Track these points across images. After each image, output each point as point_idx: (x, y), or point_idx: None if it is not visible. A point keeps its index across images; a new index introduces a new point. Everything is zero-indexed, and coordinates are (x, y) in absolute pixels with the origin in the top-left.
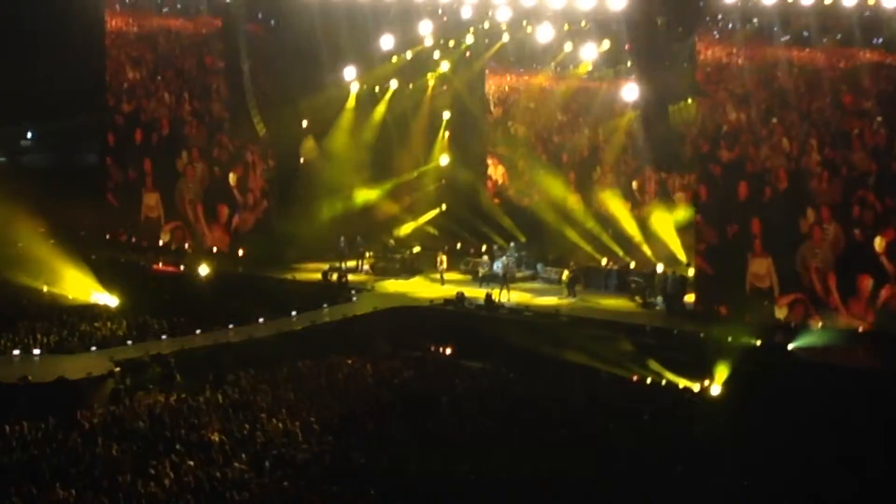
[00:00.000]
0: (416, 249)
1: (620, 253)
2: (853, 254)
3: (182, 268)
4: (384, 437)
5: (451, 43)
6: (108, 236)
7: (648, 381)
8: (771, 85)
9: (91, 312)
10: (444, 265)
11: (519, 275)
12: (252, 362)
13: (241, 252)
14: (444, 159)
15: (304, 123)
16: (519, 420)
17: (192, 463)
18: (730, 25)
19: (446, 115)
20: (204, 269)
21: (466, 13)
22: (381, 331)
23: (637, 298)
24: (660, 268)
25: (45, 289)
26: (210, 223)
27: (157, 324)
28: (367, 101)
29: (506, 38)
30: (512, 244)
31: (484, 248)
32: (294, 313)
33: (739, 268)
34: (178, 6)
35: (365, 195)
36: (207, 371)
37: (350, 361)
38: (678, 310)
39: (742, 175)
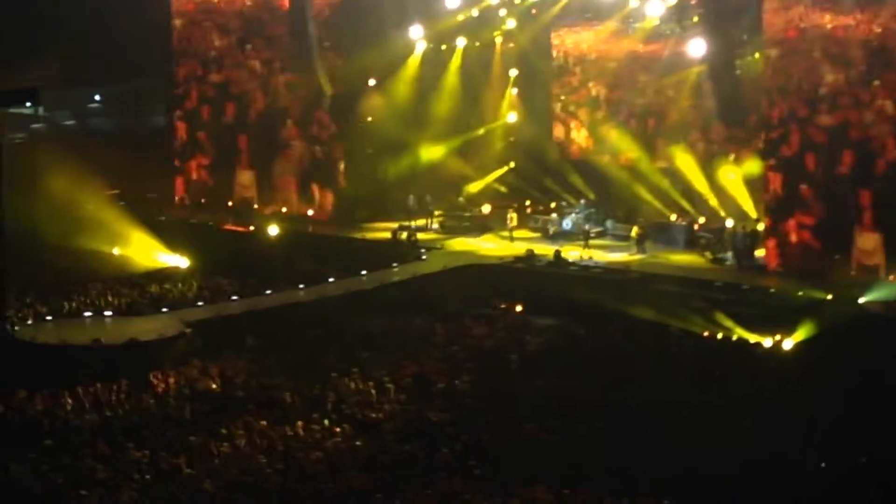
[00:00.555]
0: (486, 207)
1: (689, 209)
2: None
3: (252, 228)
4: (455, 396)
5: (517, 0)
6: (177, 198)
7: (719, 336)
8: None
9: (162, 274)
10: (514, 223)
11: (589, 231)
12: (322, 322)
13: (310, 212)
14: (511, 117)
15: (371, 82)
16: (589, 377)
17: (264, 423)
18: None
19: (513, 72)
20: (274, 230)
21: None
22: (451, 289)
23: (707, 254)
24: (729, 223)
25: (115, 252)
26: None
27: (227, 285)
28: (434, 58)
29: None
30: (581, 201)
31: (553, 205)
32: (364, 273)
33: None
34: None
35: (433, 153)
36: (278, 331)
37: (420, 320)
38: (748, 265)
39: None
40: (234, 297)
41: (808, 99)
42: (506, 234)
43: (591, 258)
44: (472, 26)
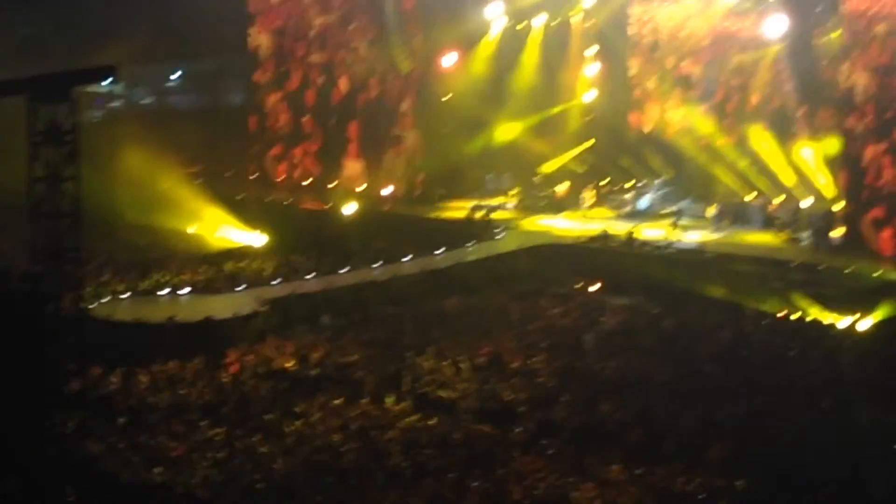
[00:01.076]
0: (562, 186)
1: (766, 188)
2: None
3: (328, 206)
4: (530, 375)
5: None
6: (252, 176)
7: (795, 316)
8: None
9: (237, 252)
10: (591, 201)
11: (665, 210)
12: (398, 301)
13: (387, 190)
14: (589, 95)
15: (449, 60)
16: (664, 357)
17: (338, 401)
18: None
19: (591, 50)
20: (350, 208)
21: None
22: (526, 268)
23: (783, 233)
24: (806, 202)
25: (191, 230)
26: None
27: (303, 263)
28: (511, 36)
29: None
30: (658, 180)
31: (630, 184)
32: (439, 251)
33: None
34: None
35: (510, 131)
36: (354, 310)
37: (495, 299)
38: (825, 245)
39: None
40: (310, 276)
41: None
42: (582, 212)
43: (679, 240)
44: (549, 4)
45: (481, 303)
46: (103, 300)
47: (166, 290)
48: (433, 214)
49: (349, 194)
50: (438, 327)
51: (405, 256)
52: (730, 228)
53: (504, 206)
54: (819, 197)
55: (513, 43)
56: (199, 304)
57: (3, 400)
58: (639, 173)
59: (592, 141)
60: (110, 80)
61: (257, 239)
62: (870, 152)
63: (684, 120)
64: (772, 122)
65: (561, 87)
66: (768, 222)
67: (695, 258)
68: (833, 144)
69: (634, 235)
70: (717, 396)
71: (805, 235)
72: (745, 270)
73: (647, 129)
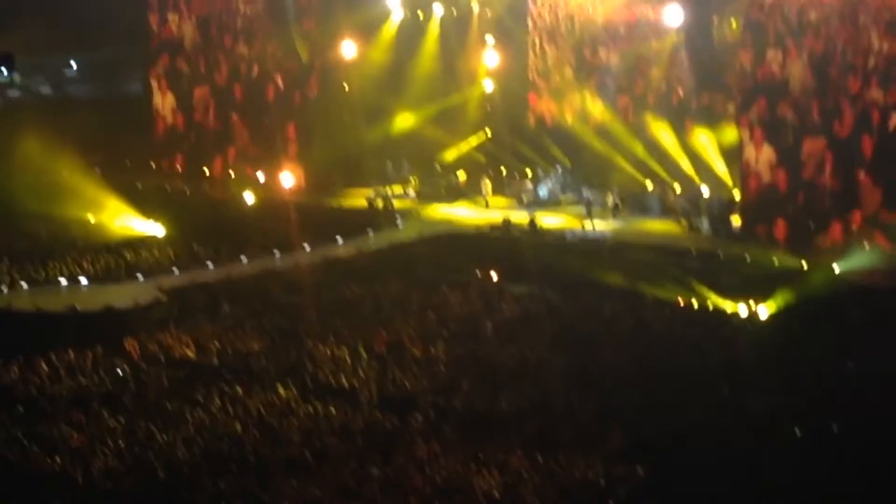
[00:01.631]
0: (462, 175)
1: (665, 176)
2: None
3: (229, 196)
4: (430, 363)
5: None
6: (154, 165)
7: (695, 304)
8: None
9: (137, 241)
10: (489, 190)
11: (564, 199)
12: (298, 289)
13: (286, 179)
14: (488, 84)
15: (348, 50)
16: (564, 345)
17: (239, 390)
18: None
19: (490, 39)
20: (250, 197)
21: None
22: (426, 256)
23: (682, 222)
24: (705, 191)
25: (91, 219)
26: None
27: (203, 252)
28: (411, 25)
29: None
30: (557, 168)
31: (529, 172)
32: (340, 240)
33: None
34: None
35: (409, 120)
36: (254, 298)
37: (395, 287)
38: (724, 233)
39: None
40: (210, 264)
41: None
42: (481, 201)
43: (594, 229)
44: None
45: (382, 291)
46: (2, 290)
47: (66, 280)
48: (333, 203)
49: (249, 184)
50: (339, 316)
51: (305, 245)
52: (629, 216)
53: (404, 194)
54: (718, 185)
55: (412, 32)
56: (99, 294)
57: None
58: (538, 162)
59: (490, 130)
60: (5, 69)
61: (157, 228)
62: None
63: (583, 108)
64: (671, 110)
65: (461, 76)
66: (668, 210)
67: (595, 246)
68: (730, 133)
69: (536, 224)
70: (617, 384)
71: (704, 224)
72: (645, 259)
73: (546, 117)
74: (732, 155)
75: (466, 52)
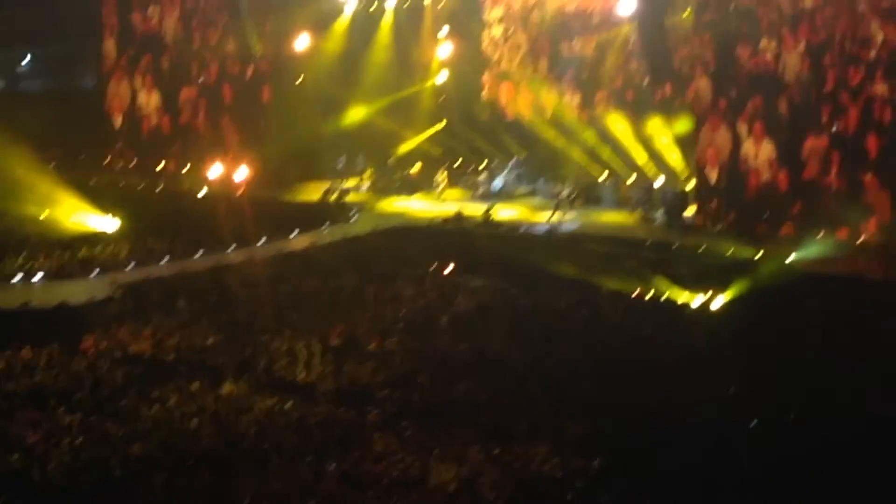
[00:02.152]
0: (417, 167)
1: (619, 167)
2: None
3: (182, 190)
4: (386, 357)
5: None
6: (107, 160)
7: (649, 295)
8: None
9: (92, 237)
10: (444, 183)
11: (519, 191)
12: (253, 284)
13: (242, 173)
14: (442, 76)
15: (301, 42)
16: (520, 337)
17: (195, 386)
18: None
19: (444, 30)
20: (203, 191)
21: None
22: (381, 250)
23: (636, 213)
24: (659, 181)
25: (44, 215)
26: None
27: (158, 247)
28: (364, 18)
29: None
30: (512, 160)
31: (483, 164)
32: (294, 234)
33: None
34: None
35: (364, 113)
36: (209, 293)
37: (350, 281)
38: (678, 223)
39: None
40: (165, 259)
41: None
42: (436, 194)
43: (561, 221)
44: None
45: (337, 285)
46: None
47: (19, 276)
48: (287, 197)
49: (203, 178)
50: (294, 310)
51: (260, 239)
52: (583, 207)
53: (358, 188)
54: (672, 175)
55: (366, 24)
56: (54, 290)
57: None
58: (493, 154)
59: (444, 122)
60: None
61: (112, 224)
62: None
63: (537, 100)
64: (624, 101)
65: (414, 68)
66: (622, 201)
67: (549, 238)
68: (685, 123)
69: (491, 216)
70: (573, 376)
71: (658, 214)
72: (600, 249)
73: (499, 109)
74: (687, 144)
75: (420, 43)
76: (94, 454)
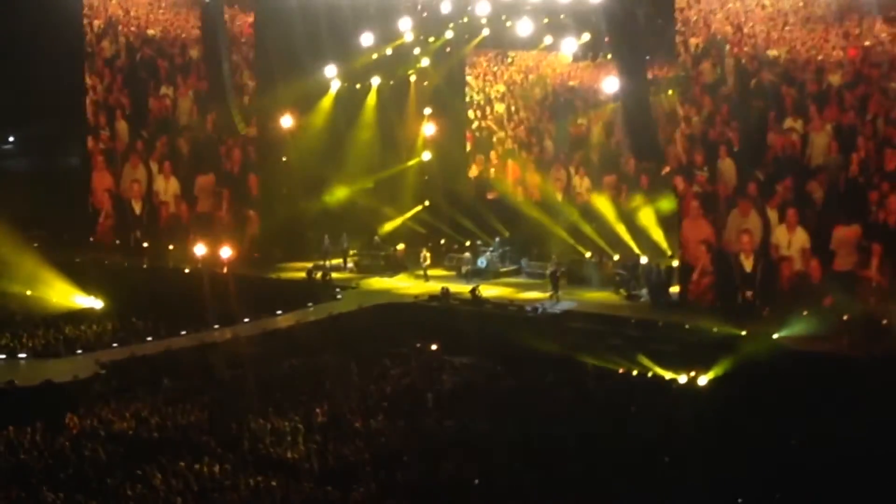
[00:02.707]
0: (401, 246)
1: (604, 245)
2: None
3: (168, 268)
4: (371, 435)
5: (431, 38)
6: (91, 238)
7: (635, 373)
8: None
9: (76, 315)
10: (428, 261)
11: (503, 270)
12: (238, 362)
13: (226, 252)
14: (426, 155)
15: (286, 121)
16: (505, 416)
17: (180, 464)
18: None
19: (427, 110)
20: (189, 269)
21: (446, 8)
22: (366, 328)
23: (621, 291)
24: (644, 260)
25: (29, 293)
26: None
27: (142, 325)
28: (348, 97)
29: (485, 32)
30: (496, 239)
31: (468, 243)
32: (279, 312)
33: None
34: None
35: (348, 192)
36: (194, 371)
37: (336, 359)
38: (663, 301)
39: None
40: (149, 338)
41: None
42: (420, 272)
43: (558, 300)
44: (386, 64)
45: (322, 363)
46: None
47: (4, 354)
48: (272, 275)
49: (188, 256)
50: (279, 388)
51: (244, 318)
52: (568, 286)
53: (343, 266)
54: (656, 253)
55: (351, 103)
56: (39, 368)
57: None
58: (476, 232)
59: (427, 202)
60: None
61: (96, 302)
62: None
63: (521, 178)
64: (608, 179)
65: (399, 147)
66: (607, 279)
67: (535, 316)
68: (668, 202)
69: (478, 294)
70: (558, 454)
71: (643, 292)
72: (585, 328)
73: (483, 188)
74: (670, 223)
75: (405, 122)
76: None
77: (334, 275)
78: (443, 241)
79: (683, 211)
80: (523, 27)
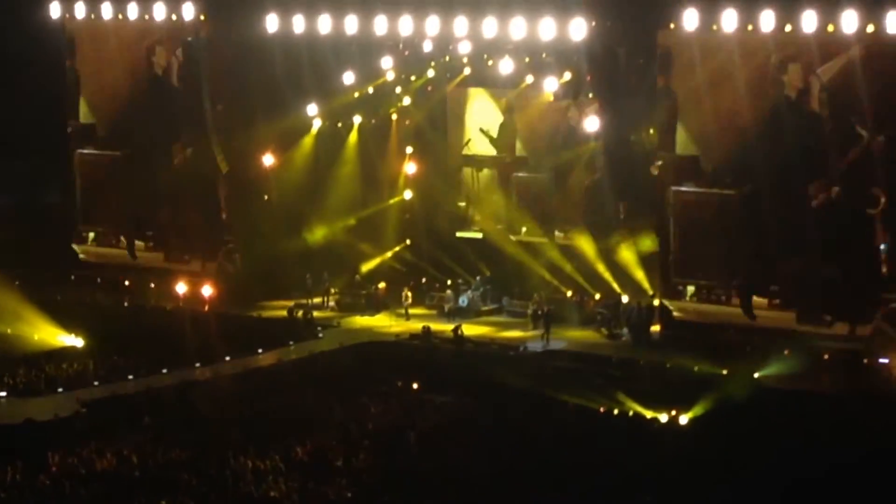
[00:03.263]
0: (382, 285)
1: (585, 284)
2: None
3: (149, 307)
4: (353, 474)
5: (413, 77)
6: (73, 276)
7: (616, 411)
8: None
9: (57, 353)
10: (410, 300)
11: (484, 308)
12: (219, 400)
13: (207, 290)
14: (407, 194)
15: (268, 159)
16: (486, 453)
17: (161, 503)
18: None
19: (409, 149)
20: (170, 307)
21: (427, 47)
22: (348, 366)
23: (603, 330)
24: (625, 299)
25: (9, 331)
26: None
27: (123, 363)
28: (330, 136)
29: (467, 71)
30: (477, 278)
31: (449, 282)
32: (260, 351)
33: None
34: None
35: (329, 230)
36: (175, 410)
37: (317, 398)
38: (644, 340)
39: None
40: (130, 376)
41: None
42: (402, 311)
43: (548, 341)
44: (368, 103)
45: (303, 401)
46: None
47: None
48: (253, 314)
49: (170, 294)
50: (260, 426)
51: (226, 356)
52: (549, 325)
53: (324, 305)
54: (637, 292)
55: (332, 141)
56: (20, 406)
57: None
58: (458, 271)
59: (408, 241)
60: None
61: (77, 340)
62: None
63: (503, 217)
64: (589, 218)
65: (381, 185)
66: (588, 318)
67: (516, 355)
68: (649, 241)
69: (461, 333)
70: (539, 492)
71: (625, 331)
72: (566, 366)
73: (465, 226)
74: (651, 262)
75: (386, 160)
76: None
77: (315, 313)
78: (424, 280)
79: None
80: (505, 66)
